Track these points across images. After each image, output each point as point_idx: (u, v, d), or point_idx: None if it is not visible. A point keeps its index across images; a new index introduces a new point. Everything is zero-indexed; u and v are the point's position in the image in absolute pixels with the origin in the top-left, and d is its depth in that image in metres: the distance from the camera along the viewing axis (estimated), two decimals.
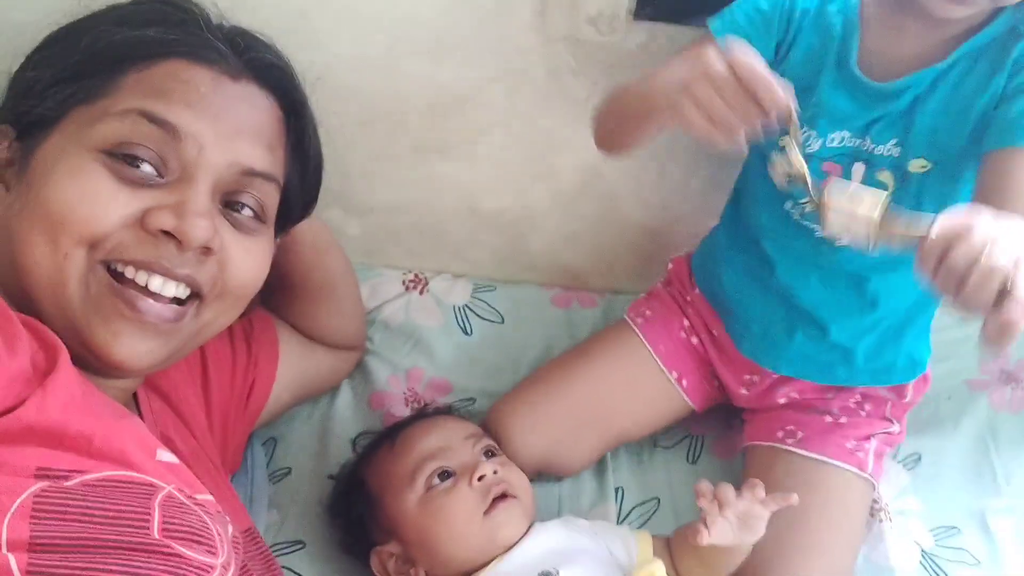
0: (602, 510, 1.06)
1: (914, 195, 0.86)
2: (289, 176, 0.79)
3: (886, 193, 0.70)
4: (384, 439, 0.97)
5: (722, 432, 1.15)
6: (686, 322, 1.09)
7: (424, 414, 1.03)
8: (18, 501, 0.52)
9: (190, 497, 0.62)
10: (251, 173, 0.72)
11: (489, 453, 0.95)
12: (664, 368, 1.08)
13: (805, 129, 0.86)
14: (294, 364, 1.01)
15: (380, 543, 0.92)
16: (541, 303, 1.25)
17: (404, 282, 1.24)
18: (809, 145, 0.87)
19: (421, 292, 1.23)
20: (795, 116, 0.70)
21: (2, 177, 0.69)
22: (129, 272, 0.65)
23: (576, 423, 1.05)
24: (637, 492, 1.09)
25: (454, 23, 0.94)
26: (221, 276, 0.70)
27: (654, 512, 1.07)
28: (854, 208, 0.70)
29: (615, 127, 0.90)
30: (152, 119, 0.66)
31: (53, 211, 0.63)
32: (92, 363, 0.66)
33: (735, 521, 0.84)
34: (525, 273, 1.27)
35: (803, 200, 0.86)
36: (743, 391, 1.07)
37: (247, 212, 0.73)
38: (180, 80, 0.69)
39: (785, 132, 0.74)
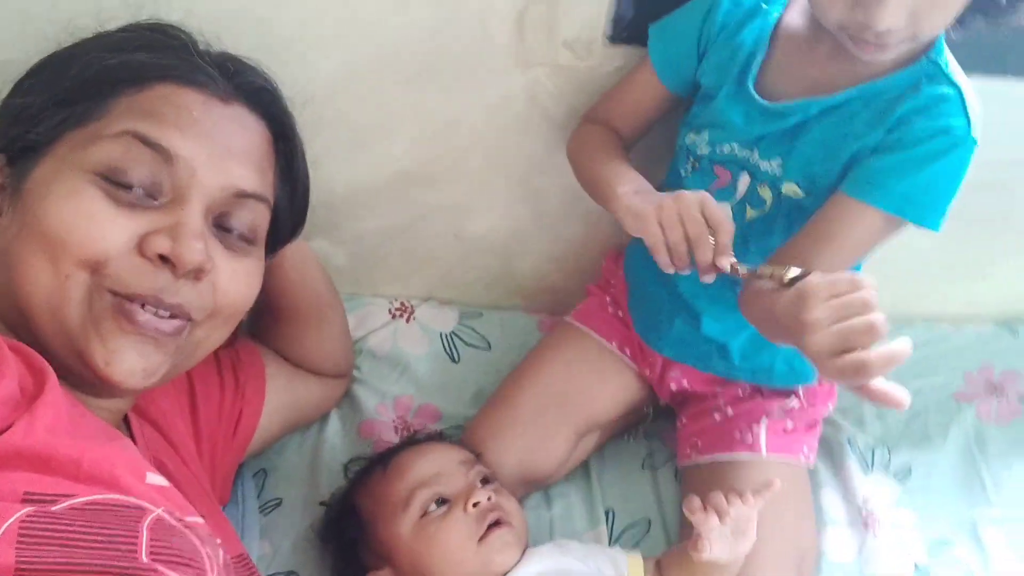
0: (594, 534, 1.05)
1: (786, 217, 0.89)
2: (279, 198, 0.79)
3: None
4: (376, 464, 0.97)
5: None
6: (608, 298, 1.14)
7: (416, 440, 1.03)
8: (4, 526, 0.51)
9: (180, 520, 0.61)
10: (243, 194, 0.72)
11: (484, 480, 0.95)
12: (602, 339, 1.11)
13: (702, 132, 0.92)
14: (282, 393, 1.00)
15: (373, 568, 0.91)
16: (528, 329, 1.25)
17: (391, 311, 1.23)
18: (699, 148, 0.93)
19: (408, 320, 1.23)
20: (740, 267, 0.76)
21: None
22: (128, 305, 0.66)
23: (542, 420, 1.06)
24: (627, 514, 1.08)
25: (437, 49, 0.95)
26: (213, 297, 0.70)
27: (645, 533, 1.07)
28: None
29: (583, 185, 0.97)
30: (145, 141, 0.67)
31: (51, 233, 0.64)
32: (89, 382, 0.66)
33: (728, 531, 0.84)
34: (512, 297, 1.28)
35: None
36: (647, 372, 1.10)
37: (239, 233, 0.73)
38: (172, 103, 0.69)
39: None
